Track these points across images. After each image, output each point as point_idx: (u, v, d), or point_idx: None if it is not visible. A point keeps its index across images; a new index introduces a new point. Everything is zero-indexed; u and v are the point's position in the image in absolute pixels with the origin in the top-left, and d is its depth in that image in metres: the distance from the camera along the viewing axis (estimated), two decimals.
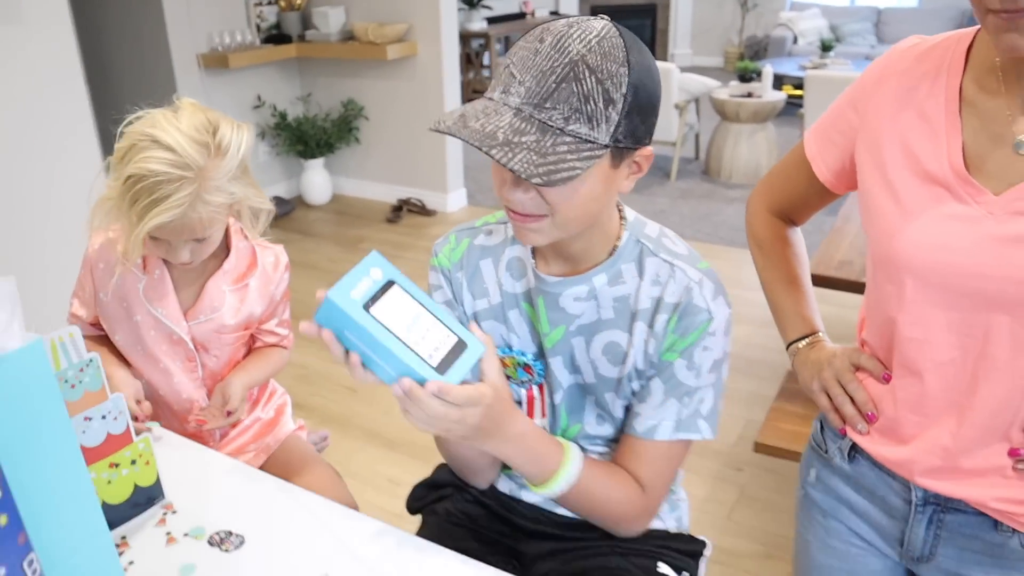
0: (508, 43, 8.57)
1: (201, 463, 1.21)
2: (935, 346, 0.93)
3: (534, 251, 1.06)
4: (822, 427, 1.14)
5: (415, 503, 1.27)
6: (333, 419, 2.86)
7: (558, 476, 0.99)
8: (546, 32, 0.88)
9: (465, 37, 7.68)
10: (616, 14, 9.81)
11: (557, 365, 1.07)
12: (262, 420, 1.55)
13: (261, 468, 1.44)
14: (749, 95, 5.27)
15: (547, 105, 0.85)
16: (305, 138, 4.92)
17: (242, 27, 4.72)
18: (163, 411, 1.47)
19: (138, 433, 1.06)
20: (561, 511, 1.16)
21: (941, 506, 1.00)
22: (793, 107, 6.30)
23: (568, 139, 0.85)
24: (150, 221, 1.20)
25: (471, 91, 7.83)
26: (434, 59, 4.66)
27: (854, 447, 1.07)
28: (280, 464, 1.48)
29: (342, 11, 4.82)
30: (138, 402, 1.33)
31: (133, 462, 1.03)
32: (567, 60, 0.85)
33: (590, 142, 0.86)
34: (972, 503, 0.97)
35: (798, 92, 6.63)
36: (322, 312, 0.86)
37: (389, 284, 0.88)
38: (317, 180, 5.08)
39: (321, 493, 1.14)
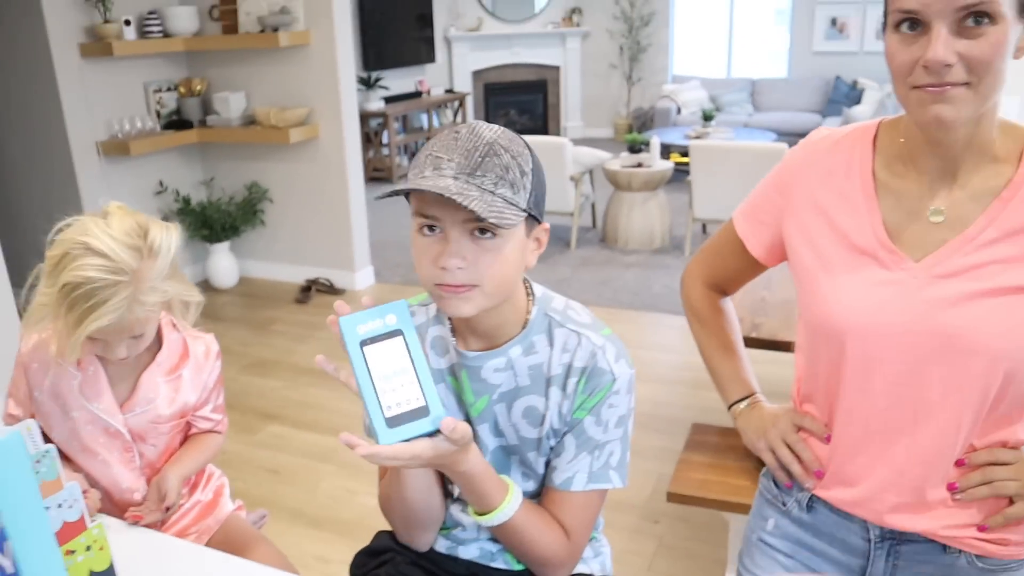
0: (406, 121, 8.77)
1: (150, 546, 1.24)
2: (876, 396, 1.05)
3: (453, 330, 1.16)
4: (775, 482, 1.25)
5: (357, 570, 1.34)
6: (257, 501, 2.84)
7: (497, 511, 1.09)
8: (458, 127, 1.04)
9: (364, 117, 7.84)
10: (509, 90, 10.21)
11: (484, 431, 1.17)
12: (202, 502, 1.58)
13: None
14: (639, 165, 5.57)
15: (478, 173, 0.99)
16: (210, 222, 4.92)
17: (142, 113, 4.73)
18: (104, 502, 1.48)
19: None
20: (496, 565, 1.25)
21: (897, 539, 1.12)
22: (681, 174, 6.67)
23: (499, 199, 0.99)
24: (89, 326, 1.24)
25: (372, 169, 7.97)
26: (335, 140, 4.78)
27: (812, 498, 1.18)
28: (223, 544, 1.51)
29: (242, 96, 4.90)
30: (84, 492, 1.35)
31: (88, 548, 1.07)
32: (484, 142, 1.01)
33: (515, 204, 1.01)
34: (924, 534, 1.09)
35: (684, 159, 7.04)
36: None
37: (396, 332, 0.96)
38: (223, 264, 5.07)
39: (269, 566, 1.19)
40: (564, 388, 1.13)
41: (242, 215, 5.00)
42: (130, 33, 4.45)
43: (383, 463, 0.96)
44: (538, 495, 1.22)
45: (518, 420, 1.16)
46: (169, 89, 4.93)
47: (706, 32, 10.12)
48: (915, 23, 0.91)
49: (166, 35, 4.70)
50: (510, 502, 1.10)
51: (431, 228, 1.01)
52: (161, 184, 4.90)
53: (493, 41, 9.94)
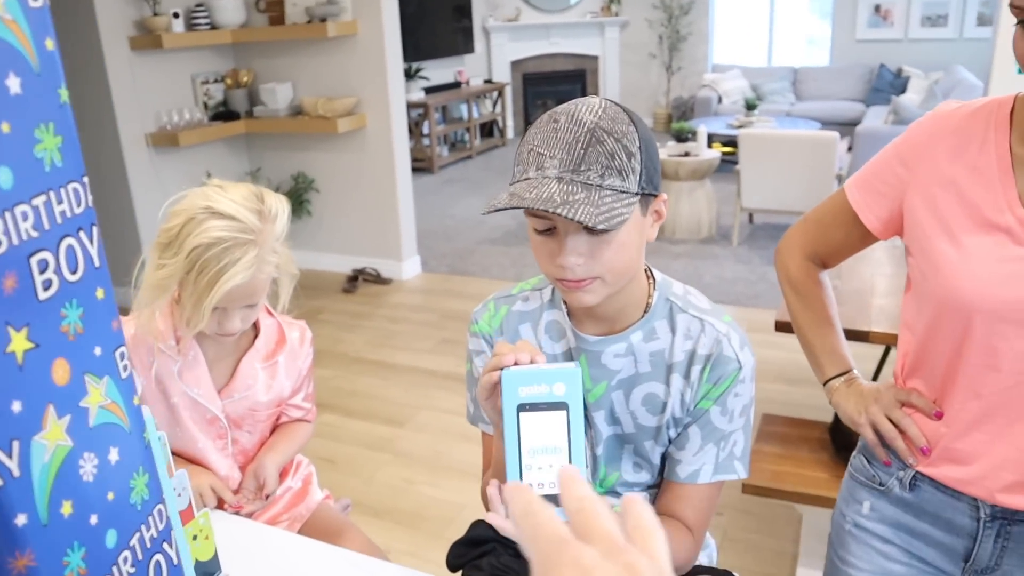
0: (445, 112, 8.76)
1: (247, 535, 1.23)
2: (1002, 373, 1.03)
3: (570, 314, 1.14)
4: (870, 462, 1.22)
5: (456, 560, 1.31)
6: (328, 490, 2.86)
7: None
8: (556, 114, 0.99)
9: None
10: (548, 80, 10.15)
11: (599, 418, 1.14)
12: (293, 490, 1.57)
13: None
14: (686, 154, 5.51)
15: (582, 168, 0.94)
16: None
17: (190, 105, 4.76)
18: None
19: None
20: None
21: (1008, 519, 1.09)
22: (726, 164, 6.59)
23: (608, 192, 0.95)
24: (224, 286, 1.24)
25: (413, 159, 7.96)
26: (383, 130, 4.77)
27: (916, 475, 1.15)
28: (316, 531, 1.50)
29: (289, 87, 4.91)
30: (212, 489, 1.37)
31: (195, 537, 1.06)
32: (585, 129, 0.95)
33: (625, 192, 0.96)
34: None
35: (727, 149, 6.95)
36: None
37: (560, 405, 0.85)
38: None
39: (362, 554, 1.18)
40: (687, 376, 1.10)
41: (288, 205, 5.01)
42: (178, 26, 4.48)
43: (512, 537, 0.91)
44: (650, 487, 1.19)
45: (637, 408, 1.13)
46: (216, 81, 4.96)
47: (746, 20, 9.98)
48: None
49: (213, 27, 4.72)
50: None
51: (545, 229, 0.99)
52: (208, 175, 4.91)
53: (531, 31, 9.89)
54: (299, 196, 5.06)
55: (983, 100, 1.10)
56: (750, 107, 7.75)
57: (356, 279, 4.93)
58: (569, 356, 1.14)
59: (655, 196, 1.03)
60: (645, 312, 1.11)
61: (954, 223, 1.05)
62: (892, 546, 1.19)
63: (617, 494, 1.19)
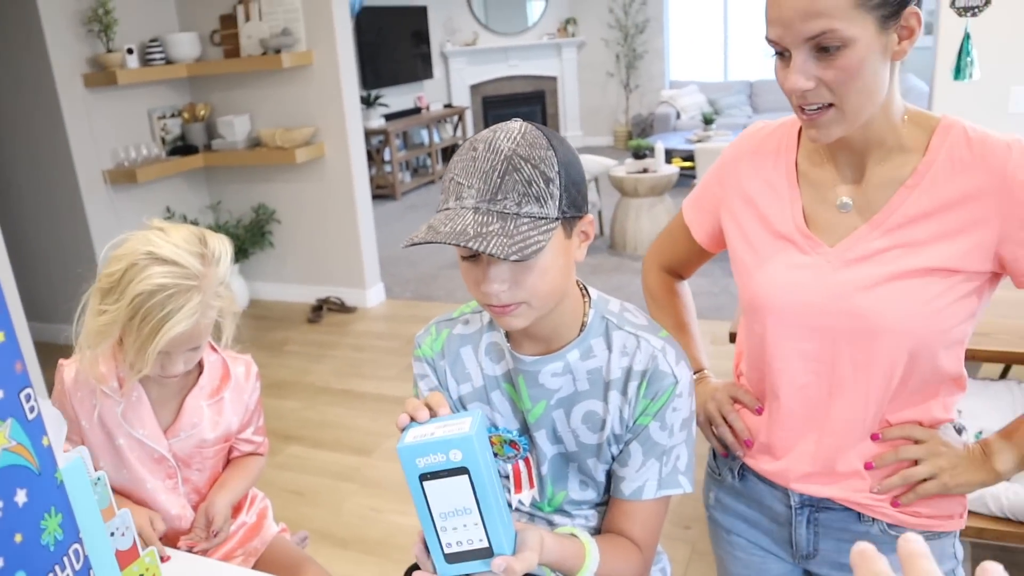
0: (407, 138, 8.79)
1: (201, 572, 1.23)
2: (794, 373, 1.12)
3: (508, 335, 1.15)
4: (715, 455, 1.32)
5: None
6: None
7: (582, 573, 1.04)
8: (476, 142, 1.00)
9: (365, 135, 7.84)
10: (508, 102, 10.22)
11: (541, 437, 1.15)
12: (247, 524, 1.56)
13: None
14: (645, 171, 5.57)
15: (499, 197, 0.96)
16: None
17: (147, 140, 4.74)
18: None
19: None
20: None
21: (815, 506, 1.17)
22: (685, 179, 6.67)
23: (525, 220, 0.96)
24: (167, 333, 1.24)
25: (375, 186, 7.97)
26: (342, 158, 4.78)
27: (743, 466, 1.25)
28: (273, 566, 1.49)
29: (247, 119, 4.91)
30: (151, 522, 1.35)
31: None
32: (502, 157, 0.97)
33: (543, 218, 0.97)
34: (838, 500, 1.14)
35: (687, 164, 7.04)
36: None
37: (461, 470, 0.85)
38: (233, 287, 5.04)
39: None
40: (625, 392, 1.11)
41: (250, 237, 5.00)
42: (133, 61, 4.46)
43: None
44: (598, 505, 1.20)
45: (577, 426, 1.14)
46: (173, 115, 4.94)
47: (701, 36, 10.14)
48: (782, 51, 0.98)
49: (168, 62, 4.72)
50: (589, 563, 1.05)
51: (469, 256, 1.01)
52: (168, 210, 4.90)
53: (489, 55, 9.98)
54: (261, 228, 5.05)
55: (782, 120, 1.19)
56: (708, 121, 7.87)
57: (321, 309, 4.92)
58: (508, 377, 1.16)
59: (579, 217, 1.05)
60: (581, 331, 1.12)
61: (752, 234, 1.15)
62: (736, 536, 1.29)
63: (566, 513, 1.20)
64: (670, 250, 1.38)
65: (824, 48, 0.94)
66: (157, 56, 4.64)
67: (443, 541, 0.88)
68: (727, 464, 1.28)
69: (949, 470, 1.08)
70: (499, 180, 0.96)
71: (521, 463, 1.18)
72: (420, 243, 0.95)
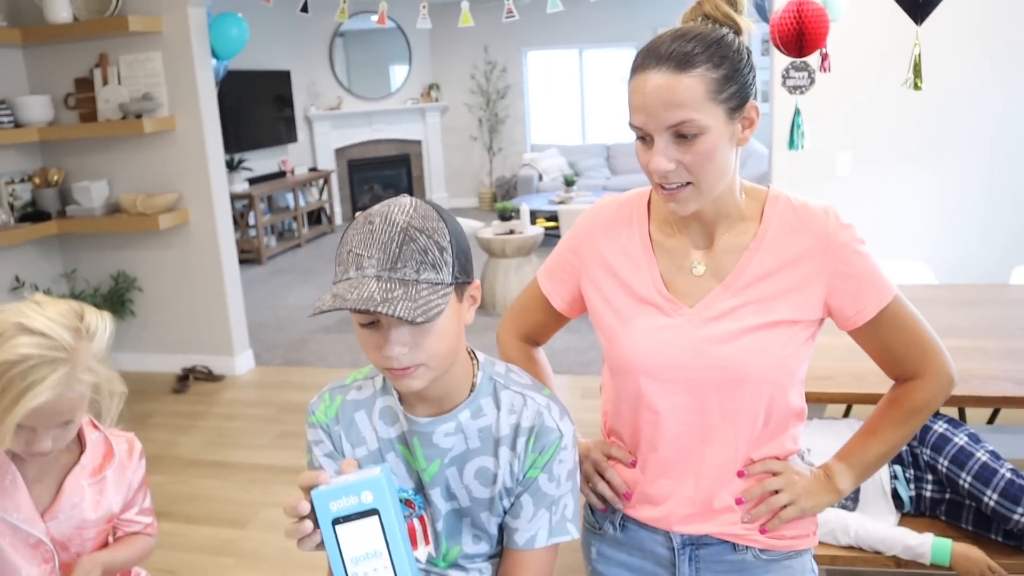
0: (271, 202, 8.67)
1: None
2: (667, 425, 1.23)
3: (402, 399, 1.20)
4: (592, 510, 1.39)
5: None
6: None
7: None
8: (371, 216, 1.07)
9: (229, 199, 7.70)
10: (373, 165, 10.29)
11: (436, 495, 1.20)
12: None
13: None
14: (511, 232, 5.74)
15: (398, 265, 1.03)
16: None
17: None
18: None
19: None
20: None
21: (695, 544, 1.28)
22: (550, 238, 6.90)
23: (424, 285, 1.03)
24: (27, 404, 1.19)
25: (240, 251, 7.79)
26: (207, 224, 4.69)
27: (624, 517, 1.33)
28: None
29: (105, 184, 4.74)
30: None
31: None
32: (399, 229, 1.04)
33: (440, 283, 1.05)
34: (716, 536, 1.26)
35: (551, 224, 7.29)
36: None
37: (371, 512, 0.91)
38: None
39: None
40: (514, 448, 1.18)
41: (109, 306, 4.79)
42: None
43: None
44: (491, 557, 1.26)
45: (470, 481, 1.19)
46: (23, 180, 4.72)
47: (560, 102, 10.59)
48: (645, 136, 1.12)
49: (17, 125, 4.52)
50: None
51: (369, 323, 1.06)
52: (17, 279, 4.65)
53: (354, 119, 10.04)
54: (120, 296, 4.86)
55: (631, 193, 1.33)
56: (569, 183, 8.19)
57: (187, 378, 4.75)
58: (403, 439, 1.20)
59: (469, 283, 1.13)
60: (471, 391, 1.19)
61: (615, 300, 1.26)
62: None
63: (460, 567, 1.24)
64: (526, 319, 1.44)
65: (683, 135, 1.08)
66: (5, 119, 4.44)
67: None
68: (607, 517, 1.36)
69: (804, 495, 1.24)
70: (398, 250, 1.03)
71: (416, 521, 1.22)
72: (327, 310, 1.00)
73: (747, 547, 1.26)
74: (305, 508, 0.95)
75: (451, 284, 1.07)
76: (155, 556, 2.92)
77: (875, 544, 1.96)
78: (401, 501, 1.21)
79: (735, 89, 1.09)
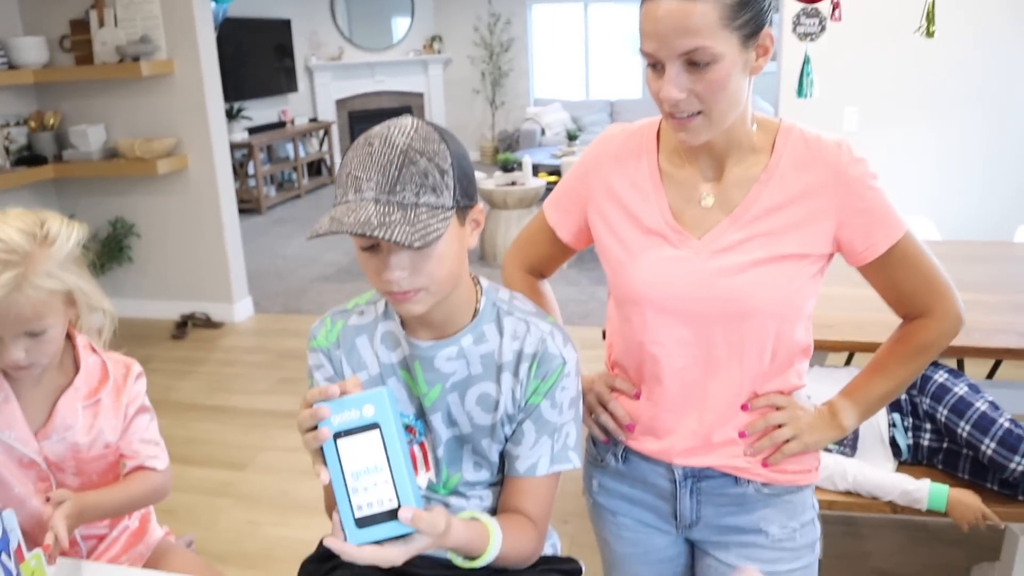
0: (271, 151, 8.61)
1: (87, 574, 1.19)
2: (672, 357, 1.22)
3: (403, 323, 1.19)
4: (595, 442, 1.39)
5: None
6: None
7: (484, 555, 1.09)
8: (371, 137, 1.04)
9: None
10: (374, 117, 10.17)
11: (437, 421, 1.19)
12: (129, 529, 1.51)
13: None
14: (513, 183, 5.70)
15: (397, 188, 1.00)
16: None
17: None
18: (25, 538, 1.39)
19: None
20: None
21: (696, 477, 1.27)
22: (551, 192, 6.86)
23: (424, 209, 1.01)
24: None
25: (239, 201, 7.75)
26: (206, 170, 4.65)
27: (626, 449, 1.32)
28: (160, 568, 1.45)
29: (102, 128, 4.69)
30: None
31: None
32: (398, 151, 1.02)
33: (440, 207, 1.03)
34: (718, 468, 1.25)
35: (552, 178, 7.23)
36: None
37: (372, 426, 0.91)
38: None
39: None
40: (516, 374, 1.17)
41: (107, 252, 4.77)
42: None
43: (353, 561, 0.93)
44: (492, 485, 1.25)
45: (472, 408, 1.18)
46: (18, 123, 4.66)
47: (564, 56, 10.46)
48: (656, 64, 1.08)
49: (12, 67, 4.45)
50: (493, 543, 1.09)
51: (369, 247, 1.04)
52: None
53: (355, 70, 9.92)
54: (119, 242, 4.83)
55: (640, 123, 1.29)
56: (572, 138, 8.11)
57: (185, 324, 4.74)
58: (404, 363, 1.19)
59: (471, 207, 1.11)
60: (474, 317, 1.18)
61: (622, 231, 1.24)
62: (622, 517, 1.37)
63: (461, 494, 1.24)
64: (532, 251, 1.43)
65: (695, 63, 1.04)
66: None
67: (354, 504, 0.92)
68: (609, 449, 1.35)
69: (807, 430, 1.23)
70: (397, 173, 1.00)
71: (416, 447, 1.22)
72: (324, 234, 0.98)
73: (748, 480, 1.25)
74: (324, 414, 0.93)
75: (452, 208, 1.04)
76: None
77: (872, 489, 1.96)
78: (403, 426, 1.20)
79: (750, 15, 1.04)
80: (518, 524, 1.18)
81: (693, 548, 1.36)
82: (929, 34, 2.38)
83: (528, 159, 5.94)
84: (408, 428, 1.20)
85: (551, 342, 1.17)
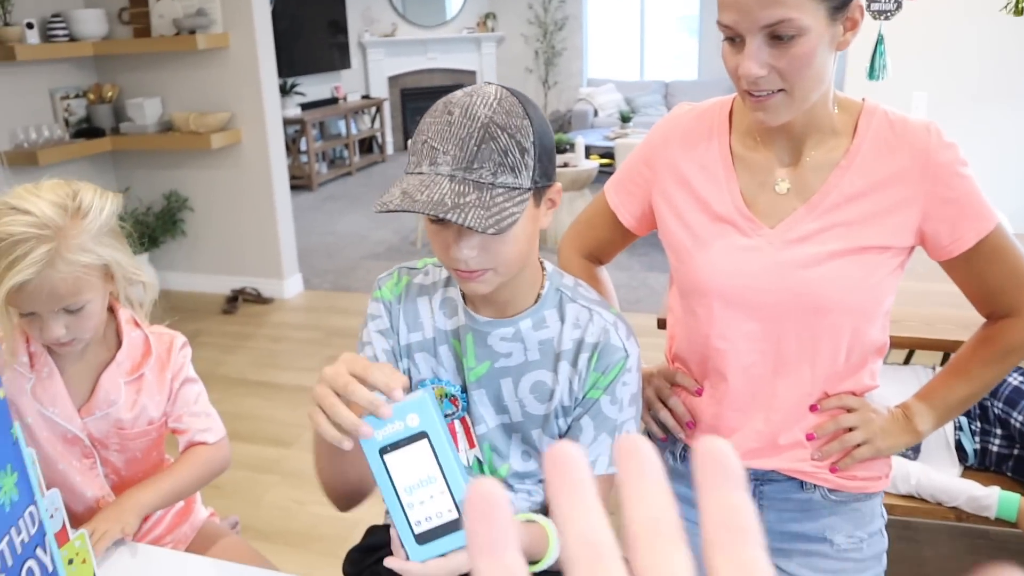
0: (323, 128, 8.63)
1: (130, 556, 1.17)
2: (739, 353, 1.14)
3: (464, 296, 1.14)
4: (651, 439, 1.31)
5: (352, 568, 1.29)
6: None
7: (545, 559, 1.05)
8: (450, 105, 0.99)
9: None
10: (426, 95, 10.16)
11: (480, 398, 1.15)
12: (175, 509, 1.50)
13: None
14: (565, 165, 5.62)
15: (475, 166, 0.95)
16: (126, 233, 4.72)
17: (49, 122, 4.51)
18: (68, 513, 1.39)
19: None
20: None
21: (760, 480, 1.20)
22: (604, 175, 6.76)
23: (500, 190, 0.96)
24: (9, 282, 1.16)
25: (291, 177, 7.79)
26: (259, 145, 4.66)
27: (686, 447, 1.26)
28: (204, 552, 1.43)
29: (158, 102, 4.73)
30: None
31: (70, 561, 1.00)
32: (479, 124, 0.96)
33: (517, 188, 0.97)
34: (783, 472, 1.19)
35: (604, 160, 7.14)
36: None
37: (419, 436, 0.84)
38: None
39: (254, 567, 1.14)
40: (575, 364, 1.12)
41: (161, 225, 4.82)
42: (33, 37, 4.24)
43: None
44: (542, 480, 1.20)
45: (525, 395, 1.14)
46: (77, 96, 4.72)
47: (618, 36, 10.29)
48: (734, 37, 0.99)
49: (72, 39, 4.50)
50: (553, 546, 1.04)
51: (438, 219, 0.99)
52: None
53: (408, 46, 9.88)
54: (172, 216, 4.87)
55: (711, 102, 1.21)
56: (625, 119, 7.99)
57: (236, 299, 4.78)
58: (458, 334, 1.15)
59: (549, 186, 1.05)
60: (536, 301, 1.13)
61: (689, 217, 1.16)
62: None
63: (508, 486, 1.20)
64: (591, 236, 1.36)
65: (778, 36, 0.96)
66: (60, 33, 4.41)
67: (412, 520, 0.86)
68: (667, 447, 1.29)
69: (880, 434, 1.15)
70: (476, 148, 0.95)
71: (457, 423, 1.18)
72: (395, 210, 0.94)
73: (815, 486, 1.19)
74: (368, 432, 0.85)
75: (529, 189, 0.99)
76: None
77: (937, 493, 1.87)
78: (446, 395, 1.16)
79: None
80: None
81: None
82: (1019, 11, 2.25)
83: (581, 140, 5.85)
84: (452, 399, 1.16)
85: (614, 333, 1.12)
